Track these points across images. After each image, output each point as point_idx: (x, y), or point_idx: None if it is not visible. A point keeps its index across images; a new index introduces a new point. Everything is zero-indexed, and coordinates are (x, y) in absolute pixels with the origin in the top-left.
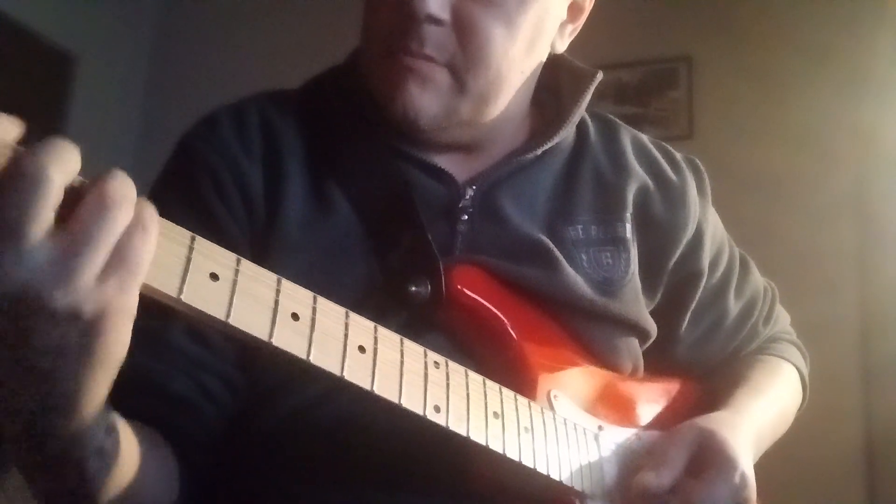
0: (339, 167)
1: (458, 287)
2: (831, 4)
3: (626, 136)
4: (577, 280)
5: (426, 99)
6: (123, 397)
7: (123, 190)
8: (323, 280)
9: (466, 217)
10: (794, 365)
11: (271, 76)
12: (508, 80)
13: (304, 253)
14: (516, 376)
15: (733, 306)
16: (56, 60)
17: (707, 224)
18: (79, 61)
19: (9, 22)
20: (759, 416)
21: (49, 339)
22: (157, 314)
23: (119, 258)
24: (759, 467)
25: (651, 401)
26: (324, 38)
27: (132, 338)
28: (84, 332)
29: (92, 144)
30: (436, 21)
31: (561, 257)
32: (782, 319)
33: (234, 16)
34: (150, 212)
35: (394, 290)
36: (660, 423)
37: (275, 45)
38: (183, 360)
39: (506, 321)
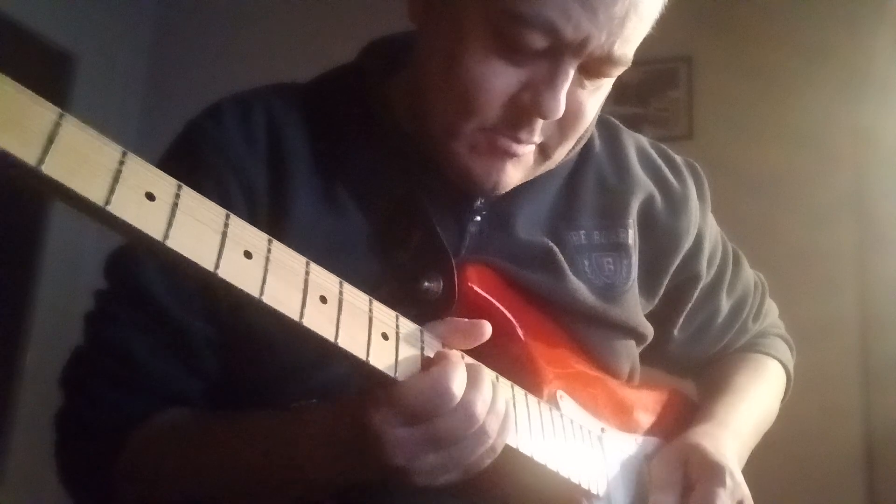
0: (347, 168)
1: (469, 285)
2: (831, 4)
3: (630, 141)
4: (580, 286)
5: (516, 175)
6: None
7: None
8: None
9: (479, 219)
10: (779, 359)
11: (271, 76)
12: None
13: (311, 253)
14: (524, 376)
15: (725, 304)
16: (56, 60)
17: (706, 228)
18: (79, 61)
19: (9, 22)
20: (740, 423)
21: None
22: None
23: (505, 428)
24: (759, 467)
25: (648, 408)
26: (324, 38)
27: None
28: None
29: None
30: None
31: (564, 263)
32: (772, 313)
33: (234, 16)
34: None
35: (405, 287)
36: (656, 429)
37: (274, 45)
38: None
39: (514, 322)
